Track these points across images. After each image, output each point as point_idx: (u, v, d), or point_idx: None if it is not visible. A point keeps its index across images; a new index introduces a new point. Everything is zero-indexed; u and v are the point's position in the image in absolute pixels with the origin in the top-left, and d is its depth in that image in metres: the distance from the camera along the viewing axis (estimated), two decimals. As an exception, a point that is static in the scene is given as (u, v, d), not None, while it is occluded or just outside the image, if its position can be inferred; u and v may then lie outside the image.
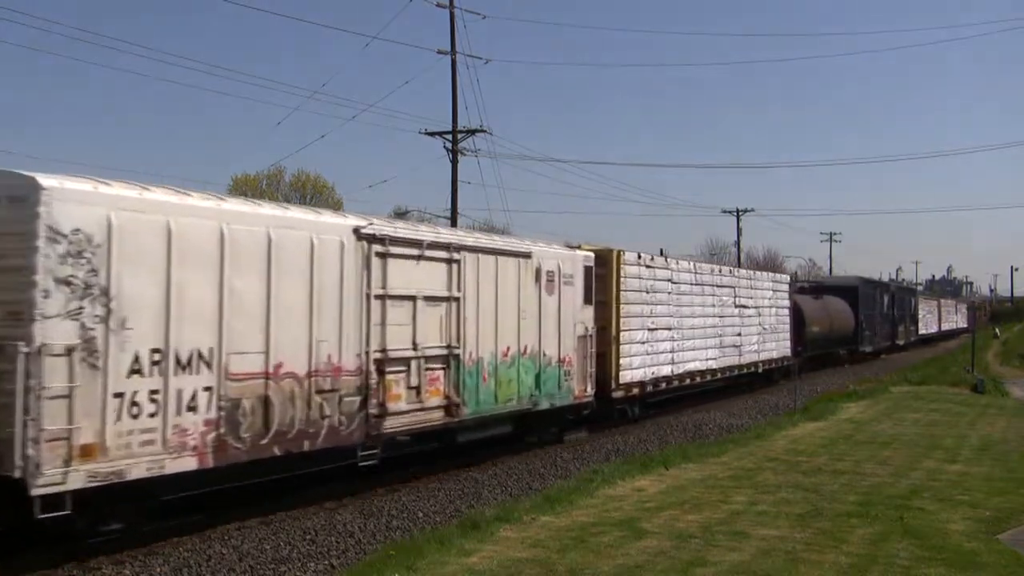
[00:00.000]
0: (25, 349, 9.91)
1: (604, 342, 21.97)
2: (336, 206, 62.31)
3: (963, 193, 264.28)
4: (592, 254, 21.11)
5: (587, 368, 20.42)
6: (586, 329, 20.44)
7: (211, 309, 11.90)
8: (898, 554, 10.49)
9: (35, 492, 9.91)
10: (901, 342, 63.58)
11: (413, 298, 15.25)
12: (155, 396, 11.17)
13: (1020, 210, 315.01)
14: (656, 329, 24.55)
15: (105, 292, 10.66)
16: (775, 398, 31.26)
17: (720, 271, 29.98)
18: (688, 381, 27.01)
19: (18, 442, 9.84)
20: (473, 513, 12.91)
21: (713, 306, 29.00)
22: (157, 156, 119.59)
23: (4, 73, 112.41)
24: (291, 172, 71.55)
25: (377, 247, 14.57)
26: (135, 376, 10.95)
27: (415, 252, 15.36)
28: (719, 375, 29.64)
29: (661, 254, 29.48)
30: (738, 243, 74.39)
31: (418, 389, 15.27)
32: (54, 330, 10.14)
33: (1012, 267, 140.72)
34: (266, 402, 12.56)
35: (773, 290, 35.37)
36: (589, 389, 20.57)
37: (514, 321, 17.86)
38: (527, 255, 18.39)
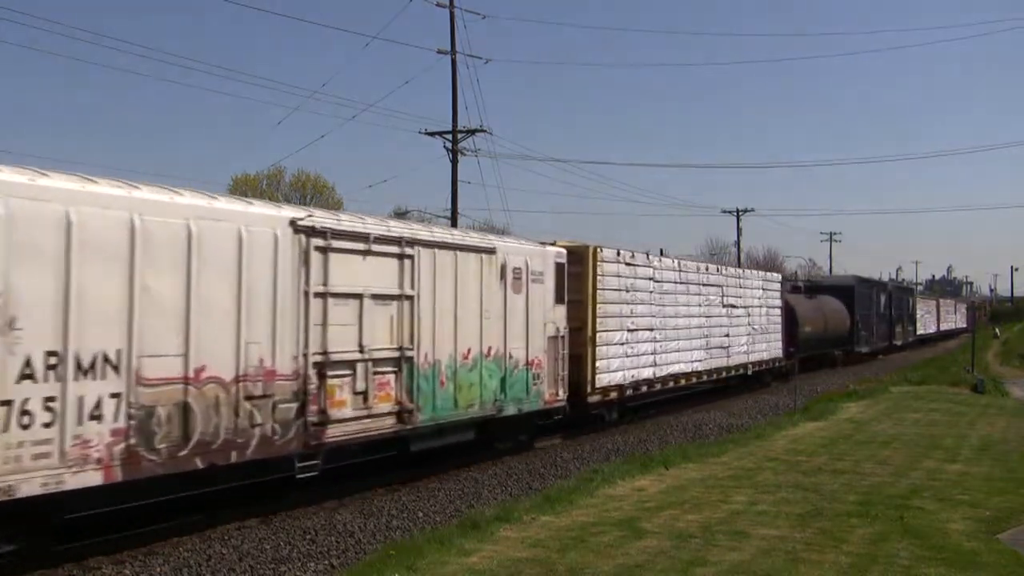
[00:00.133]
0: None
1: (579, 343, 20.81)
2: (336, 206, 62.19)
3: (963, 193, 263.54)
4: (564, 250, 19.95)
5: (559, 371, 19.25)
6: (558, 330, 19.27)
7: (120, 308, 10.74)
8: (898, 554, 10.42)
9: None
10: (899, 342, 62.41)
11: (359, 296, 14.09)
12: (51, 404, 10.01)
13: (1020, 210, 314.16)
14: (637, 330, 23.38)
15: (-12, 289, 9.52)
16: (775, 398, 30.95)
17: (707, 269, 28.78)
18: (672, 384, 25.82)
19: None
20: (473, 513, 12.83)
21: (699, 306, 27.81)
22: (157, 156, 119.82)
23: (4, 73, 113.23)
24: (291, 172, 71.44)
25: (317, 241, 13.42)
26: (26, 382, 9.79)
27: (361, 247, 14.20)
28: (705, 378, 28.45)
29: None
30: (738, 243, 74.09)
31: (365, 394, 14.10)
32: (-77, 331, 9.01)
33: (1012, 267, 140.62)
34: (186, 410, 11.40)
35: (763, 289, 34.17)
36: (561, 393, 19.40)
37: (476, 321, 16.69)
38: (490, 251, 17.23)
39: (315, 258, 13.37)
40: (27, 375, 9.80)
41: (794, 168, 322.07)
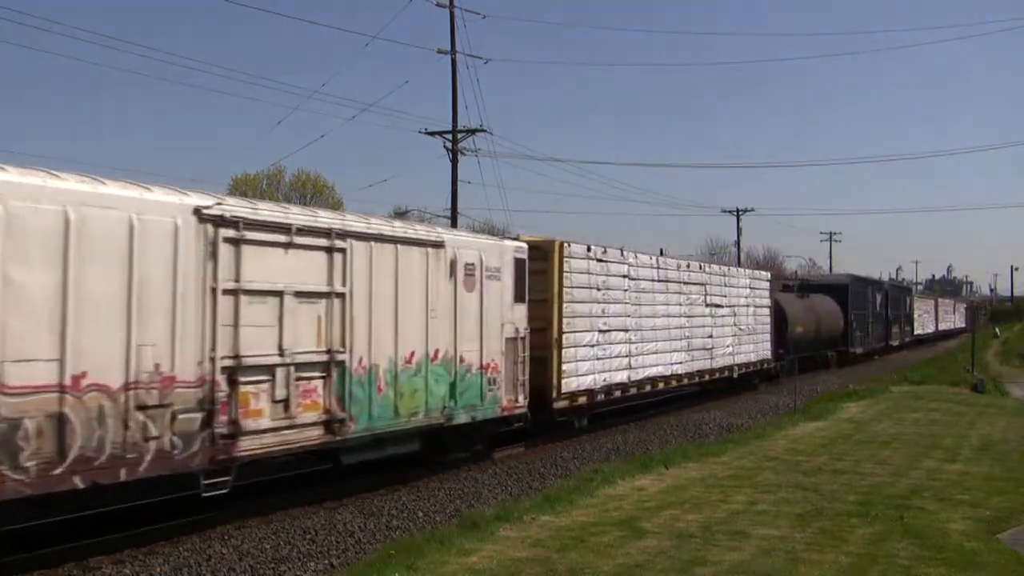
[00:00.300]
0: None
1: (543, 345, 19.38)
2: (336, 205, 61.65)
3: (963, 193, 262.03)
4: (524, 245, 18.52)
5: (518, 375, 17.80)
6: (517, 331, 17.83)
7: (-27, 306, 9.34)
8: (898, 554, 10.41)
9: None
10: (895, 343, 60.98)
11: (279, 294, 12.66)
12: None
13: (1020, 210, 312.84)
14: (609, 330, 21.94)
15: None
16: (775, 398, 30.69)
17: (688, 266, 27.29)
18: (649, 388, 24.37)
19: None
20: (473, 513, 12.77)
21: (680, 305, 26.36)
22: (157, 156, 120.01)
23: (4, 73, 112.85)
24: (291, 172, 70.93)
25: (227, 231, 12.00)
26: None
27: (282, 239, 12.78)
28: (687, 381, 26.99)
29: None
30: (738, 243, 73.41)
31: (287, 402, 12.66)
32: None
33: (1012, 267, 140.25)
34: (61, 421, 9.97)
35: (751, 288, 32.71)
36: (521, 399, 17.95)
37: (420, 321, 15.27)
38: (438, 244, 15.81)
39: (225, 251, 11.95)
40: None
41: (794, 168, 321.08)
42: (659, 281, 25.08)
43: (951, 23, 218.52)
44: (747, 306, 32.09)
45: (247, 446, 12.08)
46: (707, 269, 28.88)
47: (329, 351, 13.38)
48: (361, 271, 14.05)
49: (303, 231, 13.08)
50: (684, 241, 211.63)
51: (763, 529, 11.52)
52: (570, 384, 20.03)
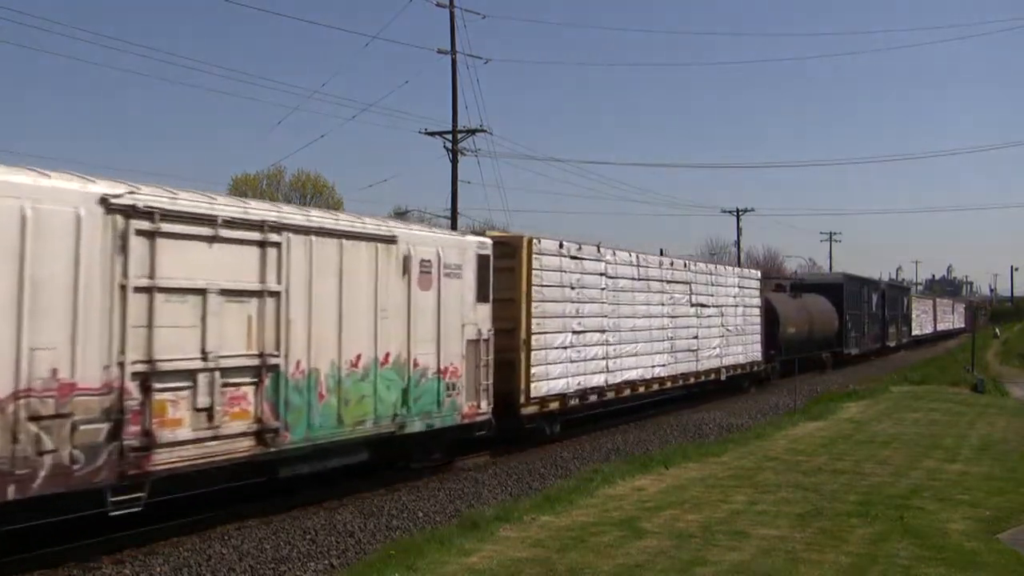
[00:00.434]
0: None
1: (510, 347, 18.30)
2: (336, 205, 61.72)
3: (963, 193, 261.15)
4: (488, 241, 17.41)
5: (481, 379, 16.70)
6: (480, 332, 16.74)
7: None
8: (898, 554, 10.42)
9: None
10: (892, 343, 59.87)
11: (202, 292, 11.57)
12: None
13: (1020, 210, 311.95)
14: (584, 331, 20.85)
15: None
16: (775, 398, 30.55)
17: (671, 264, 26.17)
18: (629, 392, 23.26)
19: None
20: (473, 513, 12.72)
21: (663, 304, 25.26)
22: (157, 156, 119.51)
23: (4, 73, 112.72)
24: (291, 172, 70.85)
25: (141, 223, 10.92)
26: None
27: (206, 231, 11.69)
28: (670, 384, 25.87)
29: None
30: (738, 243, 72.99)
31: (210, 411, 11.56)
32: None
33: (1012, 267, 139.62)
34: (-67, 436, 8.91)
35: (740, 287, 31.60)
36: (484, 405, 16.83)
37: (369, 322, 14.18)
38: (390, 239, 14.71)
39: (138, 244, 10.87)
40: None
41: (794, 168, 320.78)
42: (640, 280, 23.99)
43: (951, 23, 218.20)
44: (736, 306, 31.00)
45: (163, 459, 10.98)
46: (692, 267, 27.75)
47: (261, 355, 12.29)
48: (299, 268, 12.96)
49: (231, 223, 11.99)
50: (684, 241, 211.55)
51: (763, 529, 11.48)
52: (540, 388, 18.93)
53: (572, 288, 20.47)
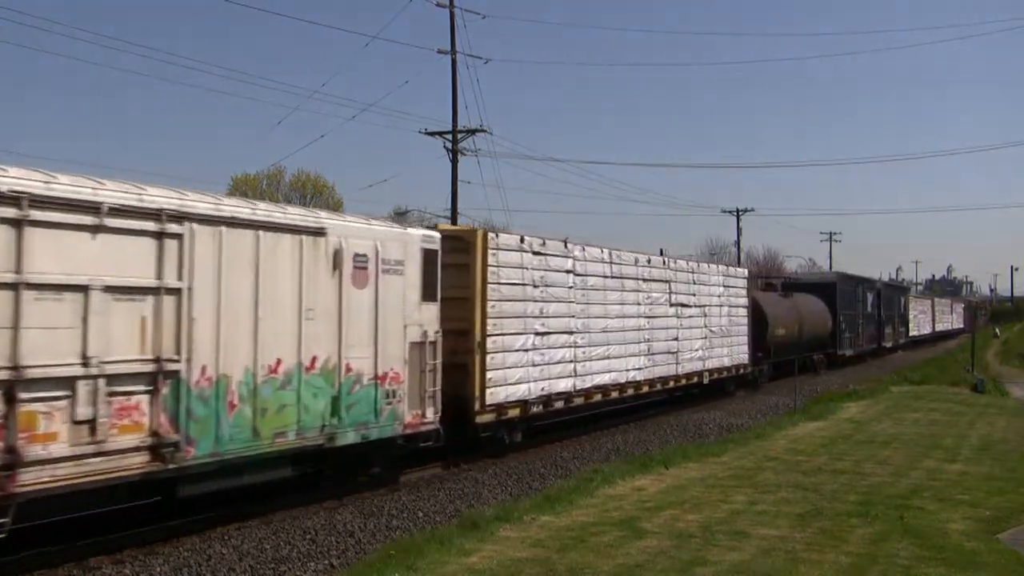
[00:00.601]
0: None
1: (464, 350, 16.98)
2: (336, 205, 62.01)
3: (963, 193, 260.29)
4: (435, 234, 16.07)
5: (426, 385, 15.35)
6: (425, 334, 15.40)
7: None
8: (898, 554, 10.45)
9: None
10: (889, 344, 58.56)
11: (84, 288, 10.23)
12: None
13: (1020, 210, 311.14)
14: (549, 333, 19.51)
15: None
16: (775, 398, 30.59)
17: (649, 262, 24.80)
18: (600, 397, 21.91)
19: None
20: (473, 513, 12.73)
21: (639, 304, 23.92)
22: (157, 156, 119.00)
23: (4, 73, 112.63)
24: (291, 172, 70.83)
25: (5, 210, 9.60)
26: None
27: (89, 220, 10.34)
28: (647, 388, 24.51)
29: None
30: (738, 243, 72.49)
31: (93, 424, 10.20)
32: None
33: (1012, 267, 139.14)
34: None
35: (724, 286, 30.25)
36: (430, 413, 15.48)
37: (292, 323, 12.84)
38: (317, 231, 13.38)
39: (2, 234, 9.55)
40: None
41: (794, 168, 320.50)
42: (613, 278, 22.65)
43: (951, 23, 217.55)
44: (720, 306, 29.66)
45: (32, 479, 9.63)
46: (672, 265, 26.38)
47: (157, 359, 10.94)
48: (206, 262, 11.62)
49: (120, 211, 10.65)
50: (684, 241, 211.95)
51: (763, 529, 11.52)
52: (497, 394, 17.59)
53: (535, 286, 19.14)
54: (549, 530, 11.54)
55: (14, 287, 9.58)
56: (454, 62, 33.25)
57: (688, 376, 26.91)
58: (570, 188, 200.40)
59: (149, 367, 10.86)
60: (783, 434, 20.77)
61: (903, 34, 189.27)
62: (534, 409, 18.89)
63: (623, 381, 22.81)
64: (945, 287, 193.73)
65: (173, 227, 11.22)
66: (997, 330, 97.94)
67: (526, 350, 18.62)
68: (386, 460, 15.17)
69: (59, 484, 9.93)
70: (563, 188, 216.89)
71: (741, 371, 31.51)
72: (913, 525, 11.76)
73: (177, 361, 11.15)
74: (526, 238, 19.25)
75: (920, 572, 9.77)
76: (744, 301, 32.04)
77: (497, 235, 18.18)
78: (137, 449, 10.70)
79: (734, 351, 30.70)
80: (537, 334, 19.04)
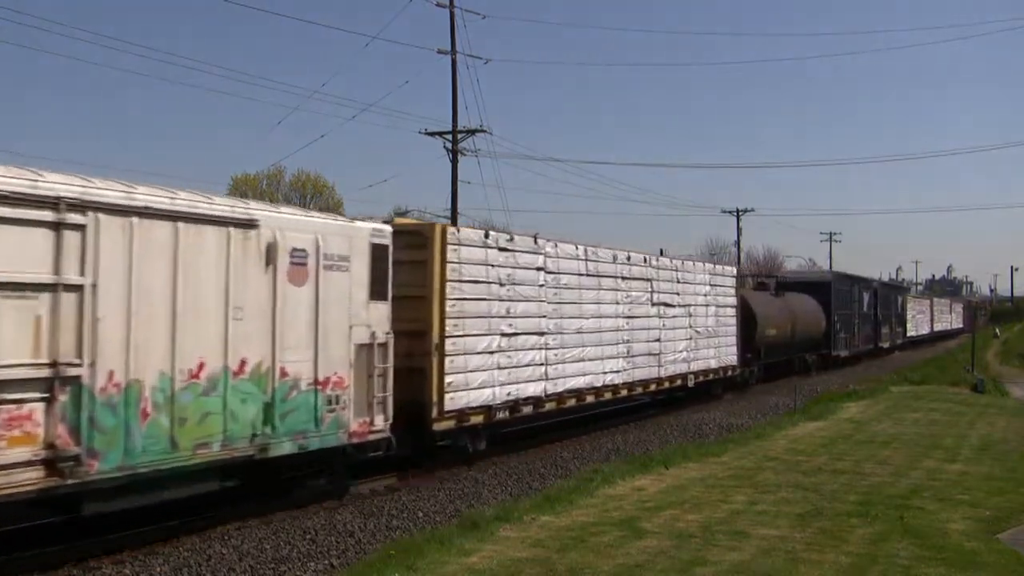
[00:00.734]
0: None
1: (420, 352, 15.93)
2: (336, 206, 62.57)
3: (963, 193, 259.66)
4: (386, 228, 15.00)
5: (375, 391, 14.28)
6: (374, 335, 14.33)
7: None
8: (898, 554, 10.49)
9: None
10: (886, 345, 57.59)
11: (-39, 285, 9.21)
12: None
13: (1020, 210, 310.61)
14: (517, 334, 18.45)
15: None
16: (775, 398, 30.60)
17: (629, 259, 23.73)
18: (574, 402, 20.85)
19: None
20: (473, 513, 12.76)
21: (617, 304, 22.87)
22: (157, 156, 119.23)
23: (4, 73, 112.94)
24: (291, 172, 71.03)
25: None
26: None
27: (-32, 209, 9.32)
28: (626, 392, 23.44)
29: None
30: (738, 243, 72.38)
31: (-28, 436, 9.19)
32: None
33: (1012, 267, 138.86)
34: None
35: (711, 284, 29.19)
36: (380, 421, 14.39)
37: (217, 324, 11.76)
38: (248, 224, 12.32)
39: None
40: None
41: (795, 168, 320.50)
42: (589, 275, 21.61)
43: (951, 23, 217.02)
44: (707, 305, 28.62)
45: None
46: (654, 263, 25.30)
47: (54, 364, 9.87)
48: (114, 256, 10.56)
49: (9, 199, 9.61)
50: (684, 241, 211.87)
51: (763, 529, 11.55)
52: (458, 400, 16.53)
53: (501, 284, 18.09)
54: (549, 530, 11.56)
55: None
56: (454, 62, 33.39)
57: (671, 379, 25.86)
58: (570, 188, 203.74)
59: (44, 372, 9.80)
60: (783, 434, 20.81)
61: (903, 34, 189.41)
62: (500, 415, 17.83)
63: (600, 385, 21.75)
64: (945, 287, 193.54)
65: (74, 217, 10.17)
66: (997, 330, 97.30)
67: (491, 352, 17.57)
68: (332, 472, 14.10)
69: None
70: (563, 188, 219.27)
71: (729, 373, 30.48)
72: (913, 525, 11.75)
73: (78, 365, 10.08)
74: (491, 233, 18.22)
75: (920, 572, 9.78)
76: (732, 300, 31.01)
77: (459, 230, 17.16)
78: (30, 463, 9.64)
79: (721, 352, 29.66)
80: (503, 335, 17.99)
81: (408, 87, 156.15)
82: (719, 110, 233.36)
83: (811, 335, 40.97)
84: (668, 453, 17.94)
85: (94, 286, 10.31)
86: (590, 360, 21.26)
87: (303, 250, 13.11)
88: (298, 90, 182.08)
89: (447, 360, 16.24)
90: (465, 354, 16.76)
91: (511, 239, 18.74)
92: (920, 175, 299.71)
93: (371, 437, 14.21)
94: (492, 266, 17.84)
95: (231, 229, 12.07)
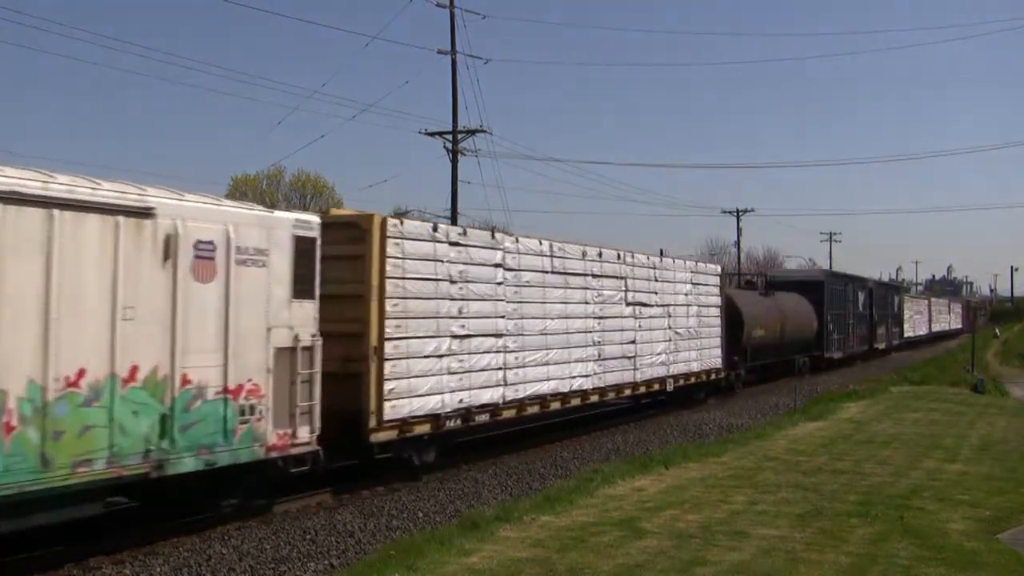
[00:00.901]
0: None
1: (356, 356, 14.62)
2: (336, 206, 61.09)
3: (963, 193, 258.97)
4: (313, 219, 13.67)
5: (298, 399, 12.95)
6: (297, 338, 13.00)
7: None
8: (898, 554, 10.55)
9: None
10: (881, 346, 56.34)
11: None
12: None
13: (1020, 210, 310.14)
14: (472, 336, 17.13)
15: None
16: (775, 398, 30.77)
17: (601, 255, 22.41)
18: (537, 409, 19.51)
19: None
20: (473, 513, 12.84)
21: (587, 303, 21.54)
22: (157, 156, 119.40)
23: (4, 73, 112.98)
24: (291, 172, 71.45)
25: None
26: None
27: None
28: (597, 398, 22.08)
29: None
30: (738, 243, 72.57)
31: None
32: None
33: (1012, 267, 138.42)
34: None
35: (693, 283, 27.89)
36: (305, 433, 13.05)
37: (102, 325, 10.43)
38: (141, 212, 11.01)
39: None
40: None
41: (795, 168, 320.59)
42: (555, 273, 20.29)
43: (951, 23, 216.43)
44: (688, 305, 27.32)
45: None
46: (629, 260, 23.96)
47: None
48: (-32, 248, 9.28)
49: None
50: (684, 241, 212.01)
51: (763, 529, 11.64)
52: (400, 408, 15.19)
53: (453, 282, 16.77)
54: (549, 530, 11.65)
55: None
56: (454, 62, 33.60)
57: (648, 383, 24.53)
58: (570, 188, 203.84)
59: None
60: (783, 434, 20.96)
61: (903, 34, 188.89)
62: (450, 424, 16.48)
63: (567, 390, 20.40)
64: (945, 287, 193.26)
65: (-87, 203, 8.88)
66: (997, 330, 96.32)
67: (440, 356, 16.24)
68: (248, 489, 12.77)
69: None
70: (563, 188, 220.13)
71: (713, 376, 29.15)
72: (913, 525, 11.86)
73: (-83, 373, 8.79)
74: (441, 227, 16.95)
75: (920, 572, 9.86)
76: (716, 300, 29.71)
77: (401, 222, 15.84)
78: None
79: (704, 355, 28.34)
80: (455, 337, 16.67)
81: (408, 87, 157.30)
82: (719, 110, 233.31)
83: (802, 336, 39.70)
84: (668, 453, 18.10)
85: (-61, 282, 9.02)
86: (556, 364, 19.92)
87: (210, 242, 11.80)
88: (298, 90, 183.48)
89: (387, 364, 14.90)
90: (409, 358, 15.43)
91: (464, 233, 17.46)
92: (920, 175, 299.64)
93: (294, 451, 12.88)
94: (442, 262, 16.53)
95: (120, 218, 10.77)
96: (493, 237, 18.42)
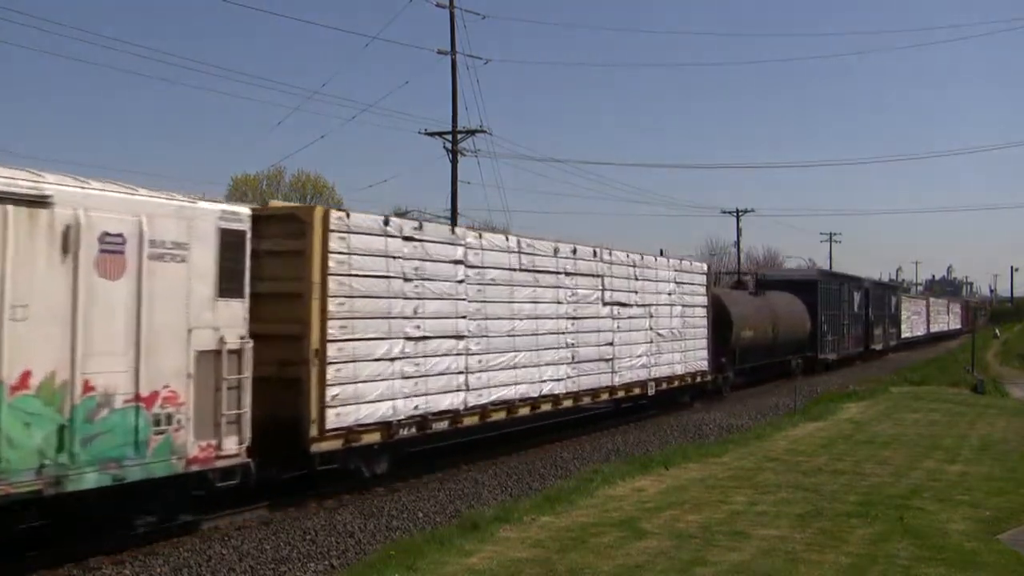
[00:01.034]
0: None
1: (296, 360, 13.59)
2: (336, 206, 60.61)
3: (963, 193, 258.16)
4: (242, 210, 12.60)
5: (223, 407, 11.89)
6: (222, 340, 11.95)
7: None
8: (898, 554, 10.61)
9: None
10: (878, 347, 55.34)
11: None
12: None
13: (1020, 210, 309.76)
14: (428, 337, 16.09)
15: None
16: (775, 398, 30.98)
17: (575, 252, 21.35)
18: (504, 415, 18.44)
19: None
20: (473, 513, 12.95)
21: (559, 303, 20.49)
22: (157, 156, 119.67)
23: (4, 73, 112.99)
24: (291, 172, 71.73)
25: None
26: None
27: None
28: (571, 403, 21.03)
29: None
30: (738, 243, 72.55)
31: None
32: None
33: (1012, 267, 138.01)
34: None
35: (677, 282, 26.86)
36: (232, 444, 11.98)
37: (-17, 326, 9.46)
38: (36, 200, 9.99)
39: None
40: None
41: (795, 168, 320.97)
42: (523, 270, 19.25)
43: (951, 23, 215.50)
44: (672, 305, 26.28)
45: None
46: (606, 257, 22.92)
47: None
48: None
49: None
50: (684, 242, 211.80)
51: (763, 529, 11.73)
52: (345, 416, 14.13)
53: (407, 280, 15.74)
54: (549, 530, 11.73)
55: None
56: (454, 62, 33.72)
57: (628, 387, 23.46)
58: (570, 188, 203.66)
59: None
60: (783, 434, 21.07)
61: (903, 34, 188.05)
62: (404, 432, 15.42)
63: (537, 395, 19.36)
64: (945, 287, 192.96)
65: None
66: (997, 330, 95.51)
67: (392, 359, 15.19)
68: (167, 506, 11.74)
69: None
70: (563, 188, 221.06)
71: (699, 379, 28.12)
72: (913, 525, 11.94)
73: None
74: (394, 221, 15.92)
75: (920, 572, 9.93)
76: (703, 300, 28.71)
77: (348, 215, 14.82)
78: None
79: (689, 357, 27.30)
80: (409, 339, 15.63)
81: (408, 87, 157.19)
82: (719, 110, 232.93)
83: (795, 337, 38.68)
84: (668, 454, 18.22)
85: None
86: (524, 367, 18.89)
87: (119, 235, 10.78)
88: (298, 90, 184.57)
89: (331, 369, 13.87)
90: (355, 361, 14.38)
91: (420, 227, 16.45)
92: (920, 175, 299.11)
93: (220, 463, 11.83)
94: (395, 258, 15.50)
95: (9, 207, 9.75)
96: (453, 232, 17.40)
